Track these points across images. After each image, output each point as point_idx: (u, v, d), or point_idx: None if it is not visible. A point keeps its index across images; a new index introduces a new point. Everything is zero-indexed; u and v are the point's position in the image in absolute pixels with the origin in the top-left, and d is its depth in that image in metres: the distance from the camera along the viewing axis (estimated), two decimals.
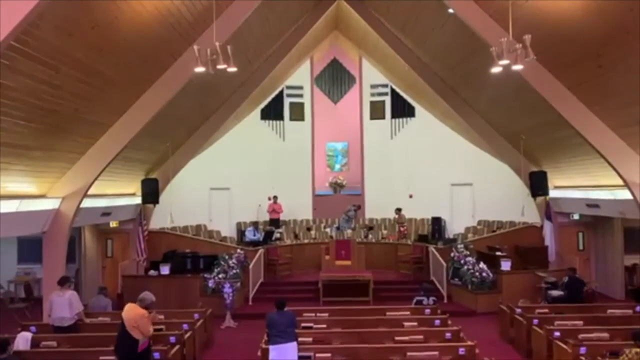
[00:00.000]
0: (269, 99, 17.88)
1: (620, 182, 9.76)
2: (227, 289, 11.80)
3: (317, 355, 7.32)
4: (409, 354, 7.26)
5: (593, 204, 12.45)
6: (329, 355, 7.35)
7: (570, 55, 8.61)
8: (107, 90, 8.78)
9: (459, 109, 14.48)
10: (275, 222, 16.73)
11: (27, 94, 7.16)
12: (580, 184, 12.83)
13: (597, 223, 14.31)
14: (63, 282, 8.84)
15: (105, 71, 8.30)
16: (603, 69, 8.17)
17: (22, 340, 7.79)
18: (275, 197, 16.77)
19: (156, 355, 7.26)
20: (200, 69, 6.90)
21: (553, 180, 14.09)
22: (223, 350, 10.09)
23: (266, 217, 16.93)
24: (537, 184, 14.06)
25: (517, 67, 6.78)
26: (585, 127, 9.49)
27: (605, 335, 8.16)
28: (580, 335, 8.10)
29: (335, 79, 18.73)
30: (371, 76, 18.25)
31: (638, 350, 6.77)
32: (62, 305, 8.54)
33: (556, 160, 13.24)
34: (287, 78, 17.83)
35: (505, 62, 6.67)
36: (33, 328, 8.71)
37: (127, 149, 10.47)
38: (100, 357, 7.37)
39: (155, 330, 8.87)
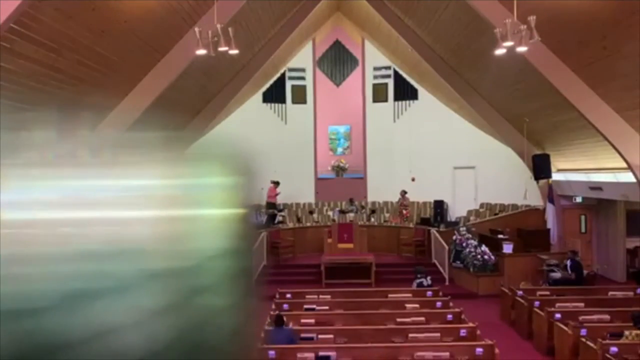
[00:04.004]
0: (271, 81, 17.78)
1: (624, 164, 9.73)
2: None
3: (320, 336, 7.40)
4: (410, 335, 7.33)
5: (596, 187, 12.43)
6: (331, 336, 7.43)
7: (575, 37, 8.51)
8: (108, 73, 8.74)
9: (462, 91, 14.37)
10: (272, 206, 16.69)
11: (28, 77, 7.13)
12: (584, 167, 12.79)
13: (600, 206, 14.29)
14: None
15: (106, 54, 8.25)
16: (608, 50, 8.08)
17: None
18: (277, 183, 16.70)
19: None
20: (201, 52, 6.85)
21: (556, 163, 14.03)
22: None
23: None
24: (540, 167, 14.01)
25: (522, 49, 6.71)
26: (589, 110, 9.43)
27: (606, 317, 8.22)
28: (581, 317, 8.16)
29: (337, 61, 18.59)
30: (374, 58, 18.09)
31: (638, 332, 6.84)
32: None
33: (560, 143, 13.18)
34: (289, 60, 17.70)
35: (509, 43, 6.61)
36: None
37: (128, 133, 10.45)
38: None
39: None
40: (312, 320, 8.24)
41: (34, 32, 6.49)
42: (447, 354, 6.56)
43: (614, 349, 6.57)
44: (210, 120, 15.30)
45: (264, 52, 14.24)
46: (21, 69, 6.86)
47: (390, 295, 9.86)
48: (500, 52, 6.86)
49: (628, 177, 10.04)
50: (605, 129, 9.42)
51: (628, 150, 9.37)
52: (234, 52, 7.07)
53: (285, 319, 7.38)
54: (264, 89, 17.71)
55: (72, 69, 7.79)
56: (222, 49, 6.84)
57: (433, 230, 14.77)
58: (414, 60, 15.13)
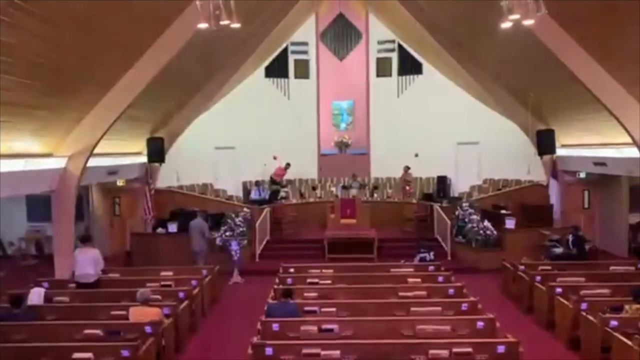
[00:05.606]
0: (273, 56, 17.59)
1: (629, 139, 9.66)
2: (234, 246, 12.03)
3: (322, 309, 7.49)
4: (412, 309, 7.41)
5: (600, 162, 12.37)
6: (333, 309, 7.51)
7: (583, 10, 8.35)
8: (109, 47, 8.65)
9: (466, 65, 14.19)
10: (275, 182, 16.71)
11: (29, 52, 7.06)
12: (588, 142, 12.71)
13: (603, 181, 14.25)
14: (85, 240, 9.06)
15: (107, 28, 8.13)
16: (616, 24, 7.94)
17: (36, 296, 8.00)
18: (288, 165, 16.63)
19: (165, 310, 7.44)
20: (203, 25, 6.75)
21: (560, 138, 13.95)
22: (230, 305, 10.34)
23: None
24: (545, 143, 13.93)
25: (528, 22, 6.58)
26: (595, 84, 9.32)
27: (607, 291, 8.26)
28: (582, 292, 8.20)
29: (341, 35, 18.30)
30: (378, 32, 17.83)
31: (638, 306, 6.89)
32: (86, 263, 8.76)
33: (564, 118, 13.06)
34: (291, 34, 17.47)
35: (515, 16, 6.47)
36: (45, 284, 8.93)
37: (131, 108, 10.40)
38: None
39: (163, 286, 9.15)
40: (315, 294, 8.32)
41: (34, 5, 6.40)
42: (448, 327, 6.63)
43: (613, 323, 6.62)
44: (213, 95, 15.20)
45: (266, 26, 14.04)
46: (22, 44, 6.79)
47: (392, 270, 9.93)
48: (506, 25, 6.70)
49: (633, 153, 9.98)
50: (611, 104, 9.33)
51: (634, 125, 9.29)
52: (236, 25, 6.93)
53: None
54: (266, 63, 17.54)
55: (73, 44, 7.71)
56: (224, 22, 6.72)
57: (436, 206, 14.79)
58: (418, 33, 14.90)
